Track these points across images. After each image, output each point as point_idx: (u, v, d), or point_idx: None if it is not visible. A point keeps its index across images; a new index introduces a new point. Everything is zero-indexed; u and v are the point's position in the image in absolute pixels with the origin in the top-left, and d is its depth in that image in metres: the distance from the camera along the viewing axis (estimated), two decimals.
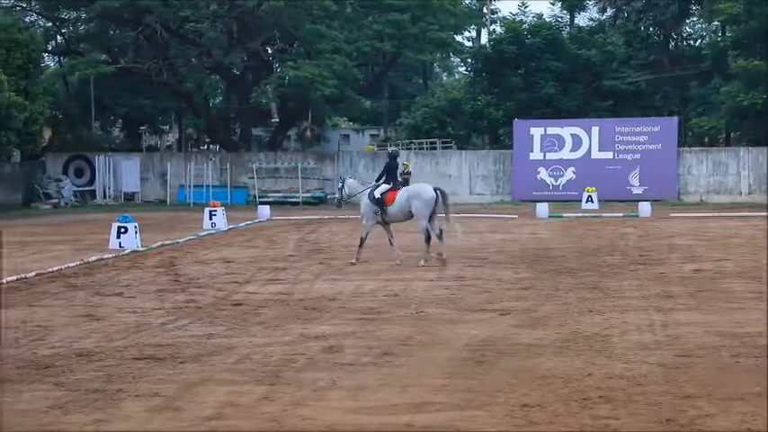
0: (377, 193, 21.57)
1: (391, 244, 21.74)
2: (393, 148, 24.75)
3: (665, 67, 53.40)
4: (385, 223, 21.87)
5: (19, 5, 52.81)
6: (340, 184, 23.11)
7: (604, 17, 58.71)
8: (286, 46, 51.53)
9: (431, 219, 21.10)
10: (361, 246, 21.80)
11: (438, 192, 21.15)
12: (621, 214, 36.07)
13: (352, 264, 21.06)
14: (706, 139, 54.84)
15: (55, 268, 20.35)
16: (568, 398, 9.43)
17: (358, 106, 61.75)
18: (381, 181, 22.10)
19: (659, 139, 45.16)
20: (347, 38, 49.20)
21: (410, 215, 21.39)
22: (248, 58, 50.38)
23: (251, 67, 51.81)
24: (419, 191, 21.35)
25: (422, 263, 20.79)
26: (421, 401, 9.36)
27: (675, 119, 46.94)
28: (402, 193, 21.38)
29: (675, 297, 15.92)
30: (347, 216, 36.62)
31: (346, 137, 73.67)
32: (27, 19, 51.90)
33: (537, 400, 9.37)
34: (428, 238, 21.13)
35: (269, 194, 46.68)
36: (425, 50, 53.22)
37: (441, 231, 21.28)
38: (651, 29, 55.68)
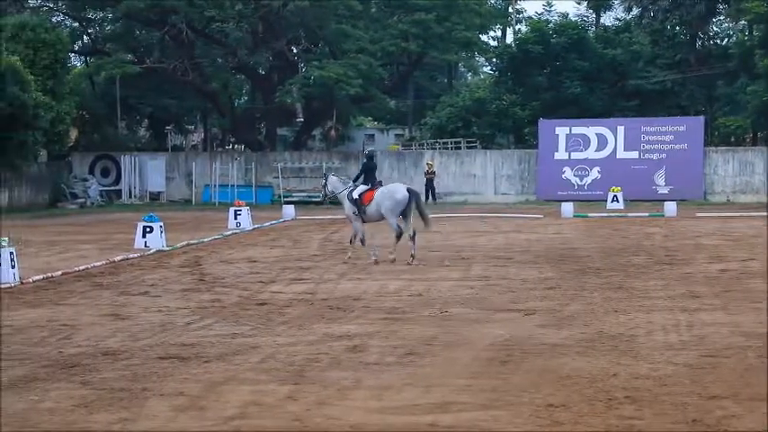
0: (355, 194, 21.85)
1: (350, 241, 22.34)
2: (370, 148, 25.15)
3: (692, 66, 53.13)
4: (366, 222, 22.17)
5: (46, 6, 53.12)
6: (324, 181, 23.48)
7: (630, 16, 58.48)
8: (311, 46, 51.59)
9: (406, 219, 21.35)
10: (363, 245, 22.12)
11: (411, 193, 21.40)
12: (647, 214, 35.91)
13: (375, 263, 21.07)
14: (732, 139, 54.54)
15: (81, 267, 20.45)
16: (593, 398, 9.40)
17: (383, 106, 61.75)
18: (359, 181, 22.38)
19: (685, 139, 44.97)
20: (372, 37, 49.20)
21: (383, 216, 21.70)
22: (273, 58, 50.48)
23: (276, 66, 51.90)
24: (392, 191, 21.58)
25: (391, 257, 21.17)
26: (445, 401, 9.34)
27: (702, 118, 46.74)
28: (377, 194, 21.58)
29: (701, 297, 15.84)
30: None
31: (371, 136, 73.69)
32: (54, 19, 52.18)
33: (562, 400, 9.34)
34: (399, 236, 21.39)
35: (294, 194, 46.75)
36: (451, 50, 53.17)
37: (414, 233, 21.39)
38: (677, 28, 55.38)
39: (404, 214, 21.37)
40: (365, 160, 23.07)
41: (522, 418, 8.77)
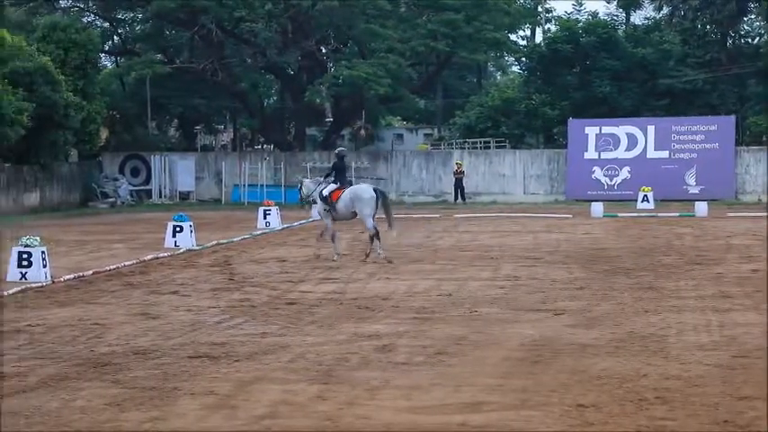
0: (325, 192, 22.33)
1: (318, 237, 22.85)
2: (340, 148, 25.80)
3: (723, 65, 52.79)
4: (334, 220, 22.51)
5: (77, 6, 53.40)
6: (299, 186, 24.17)
7: (660, 15, 58.17)
8: (340, 45, 51.64)
9: (388, 216, 22.09)
10: (333, 241, 22.45)
11: (378, 192, 22.05)
12: (677, 214, 35.72)
13: (334, 261, 21.61)
14: (764, 138, 54.14)
15: (112, 267, 20.55)
16: (624, 398, 9.36)
17: (412, 105, 61.71)
18: (330, 179, 22.87)
19: (716, 138, 44.73)
20: (401, 37, 49.17)
21: (355, 214, 22.24)
22: (302, 58, 50.54)
23: (305, 66, 51.96)
24: (359, 192, 22.15)
25: (381, 256, 21.60)
26: (475, 401, 9.33)
27: (732, 117, 46.45)
28: (346, 193, 22.15)
29: (732, 297, 15.75)
30: (400, 215, 36.62)
31: (400, 136, 73.63)
32: (85, 20, 52.45)
33: (592, 400, 9.31)
34: (376, 235, 21.86)
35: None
36: (479, 50, 53.06)
37: (377, 232, 21.83)
38: (708, 27, 55.06)
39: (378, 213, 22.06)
40: (336, 160, 23.53)
41: (552, 418, 8.75)
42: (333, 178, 22.80)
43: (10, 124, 35.95)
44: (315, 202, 23.50)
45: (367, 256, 21.82)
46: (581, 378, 10.22)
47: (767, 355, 11.29)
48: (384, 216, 22.09)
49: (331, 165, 23.90)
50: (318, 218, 22.14)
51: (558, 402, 9.25)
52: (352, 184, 23.00)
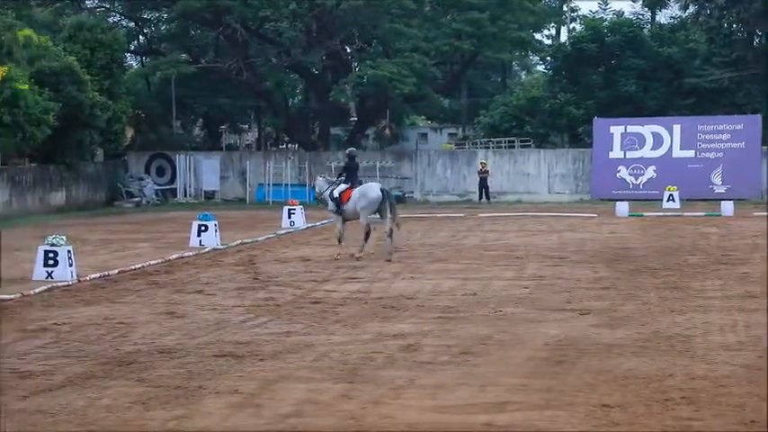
0: (335, 192, 22.60)
1: (339, 241, 22.71)
2: (351, 148, 26.06)
3: (749, 64, 52.49)
4: (347, 219, 22.75)
5: (103, 6, 53.61)
6: (313, 184, 23.72)
7: (686, 14, 57.88)
8: (365, 45, 51.60)
9: (383, 217, 22.19)
10: (339, 242, 22.68)
11: (384, 192, 22.22)
12: (703, 213, 35.55)
13: (336, 259, 21.88)
14: None
15: (137, 266, 20.63)
16: (650, 399, 9.33)
17: (436, 105, 61.62)
18: (341, 180, 23.12)
19: (742, 138, 44.46)
20: (426, 36, 49.12)
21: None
22: (327, 57, 50.54)
23: (330, 65, 51.97)
24: (366, 190, 22.43)
25: (357, 255, 21.96)
26: (500, 401, 9.32)
27: (759, 117, 46.11)
28: (355, 193, 22.34)
29: (759, 297, 15.66)
30: (424, 215, 36.65)
31: (424, 135, 73.57)
32: (110, 20, 52.64)
33: (618, 400, 9.28)
34: (367, 235, 22.18)
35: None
36: (504, 49, 52.94)
37: (390, 231, 22.04)
38: (734, 26, 54.73)
39: (380, 213, 22.22)
40: (347, 160, 23.73)
41: (577, 418, 8.73)
42: (344, 178, 23.04)
43: (36, 124, 36.12)
44: (319, 199, 23.79)
45: (390, 254, 21.93)
46: (606, 378, 10.19)
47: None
48: (390, 217, 22.07)
49: (342, 165, 24.05)
50: (365, 221, 22.11)
51: (584, 402, 9.23)
52: (362, 184, 23.19)
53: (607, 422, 8.61)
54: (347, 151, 24.92)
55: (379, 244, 25.38)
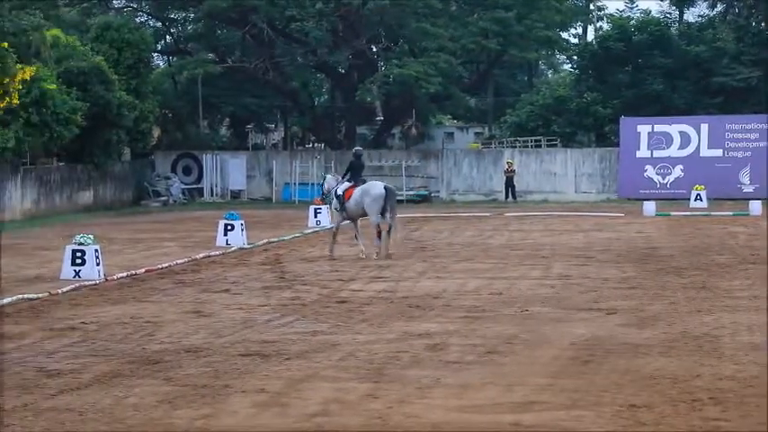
0: (339, 190, 22.84)
1: (356, 239, 22.97)
2: (357, 147, 26.46)
3: None
4: (350, 219, 22.99)
5: (130, 6, 53.84)
6: (321, 181, 24.96)
7: (714, 13, 57.59)
8: (391, 44, 51.60)
9: (383, 215, 22.15)
10: (334, 238, 22.96)
11: (387, 190, 22.29)
12: (731, 213, 35.36)
13: (331, 258, 22.13)
14: None
15: (164, 265, 20.70)
16: (677, 399, 9.29)
17: (462, 104, 61.53)
18: (345, 178, 23.33)
19: None
20: (452, 35, 49.06)
21: (365, 212, 22.60)
22: (353, 57, 50.58)
23: (356, 65, 51.99)
24: (369, 188, 22.60)
25: (375, 255, 22.08)
26: (526, 401, 9.30)
27: None
28: (357, 191, 22.57)
29: None
30: (451, 214, 36.63)
31: (450, 135, 73.36)
32: (137, 19, 52.84)
33: (644, 400, 9.24)
34: (379, 234, 22.30)
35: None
36: (531, 48, 52.84)
37: (390, 228, 22.26)
38: (763, 24, 54.39)
39: (382, 211, 22.18)
40: (353, 158, 24.01)
41: (604, 418, 8.70)
42: (349, 176, 23.30)
43: (64, 123, 36.31)
44: (327, 196, 24.10)
45: (388, 251, 22.13)
46: (633, 378, 10.15)
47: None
48: (390, 216, 22.21)
49: (348, 164, 24.32)
50: (376, 220, 22.27)
51: (610, 402, 9.20)
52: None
53: (634, 422, 8.57)
54: (353, 150, 25.26)
55: (403, 243, 25.38)
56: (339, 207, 22.86)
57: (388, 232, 22.24)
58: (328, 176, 24.80)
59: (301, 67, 51.44)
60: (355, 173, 23.36)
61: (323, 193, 24.78)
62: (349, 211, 22.69)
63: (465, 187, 47.44)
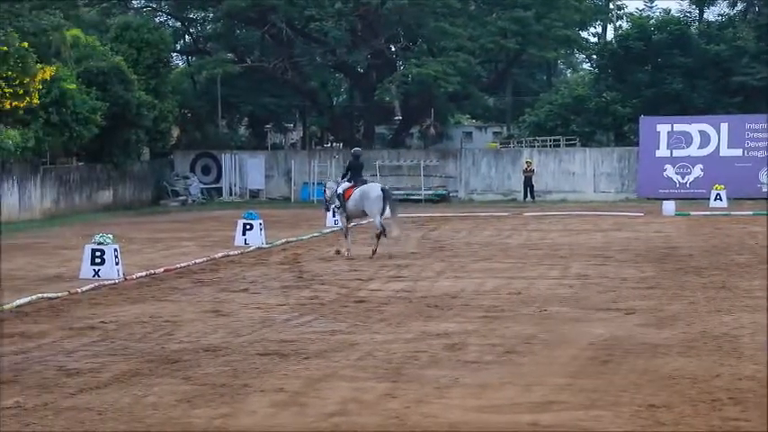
0: (339, 190, 23.41)
1: (345, 236, 23.29)
2: (356, 148, 27.06)
3: None
4: (349, 218, 23.53)
5: (149, 6, 54.00)
6: (323, 189, 25.48)
7: (734, 11, 57.37)
8: (409, 44, 51.60)
9: (382, 216, 22.71)
10: (345, 237, 23.24)
11: (384, 192, 22.83)
12: (751, 212, 35.22)
13: (338, 253, 22.66)
14: None
15: (183, 264, 20.75)
16: (696, 399, 9.26)
17: (481, 103, 61.49)
18: (345, 179, 23.76)
19: None
20: (471, 35, 49.02)
21: (365, 213, 23.23)
22: (372, 56, 50.59)
23: (374, 64, 52.01)
24: (367, 190, 23.01)
25: (371, 255, 22.39)
26: (545, 400, 9.28)
27: None
28: (356, 192, 23.02)
29: None
30: (469, 214, 36.60)
31: (469, 134, 73.31)
32: (157, 19, 52.99)
33: (664, 400, 9.22)
34: (381, 234, 22.62)
35: (392, 192, 46.68)
36: (549, 47, 52.74)
37: (385, 229, 22.72)
38: None
39: (382, 212, 22.78)
40: (351, 158, 24.35)
41: (623, 418, 8.68)
42: (348, 176, 23.68)
43: (84, 123, 36.45)
44: (330, 202, 24.55)
45: (373, 253, 22.37)
46: (652, 378, 10.12)
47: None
48: (390, 216, 22.86)
49: (347, 164, 24.72)
50: (378, 221, 22.66)
51: (629, 402, 9.17)
52: (366, 183, 23.79)
53: (653, 422, 8.55)
54: (353, 150, 25.78)
55: (421, 242, 25.41)
56: (338, 206, 23.34)
57: (379, 235, 22.57)
58: (329, 183, 25.39)
59: (320, 67, 51.48)
60: (355, 173, 23.73)
61: (326, 201, 25.14)
62: (348, 210, 23.15)
63: (483, 187, 47.39)
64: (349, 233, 23.30)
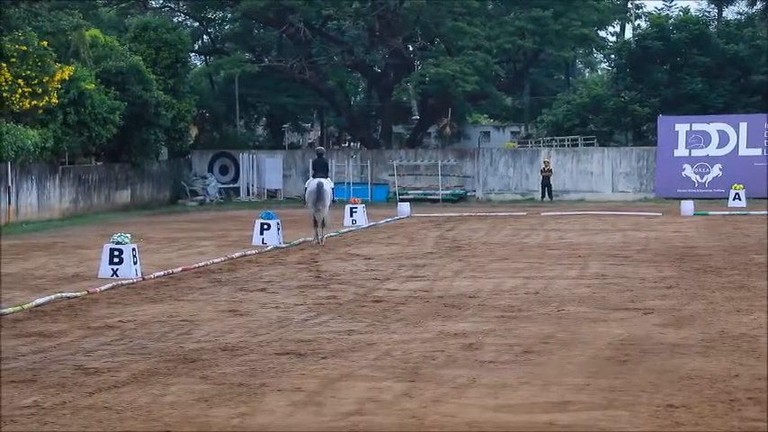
0: (305, 186, 26.80)
1: (314, 227, 25.63)
2: (319, 147, 29.42)
3: None
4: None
5: (167, 6, 54.17)
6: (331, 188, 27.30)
7: (753, 11, 57.17)
8: (427, 43, 51.62)
9: (319, 209, 25.01)
10: (314, 227, 25.60)
11: (317, 186, 24.94)
12: None
13: (316, 244, 25.10)
14: None
15: (201, 264, 20.78)
16: (715, 399, 9.23)
17: (499, 103, 61.48)
18: (311, 175, 27.03)
19: None
20: (488, 34, 49.01)
21: (314, 204, 25.22)
22: (389, 56, 50.63)
23: (392, 64, 52.05)
24: (308, 184, 25.88)
25: (314, 242, 25.28)
26: (563, 400, 9.27)
27: None
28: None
29: None
30: (487, 213, 36.57)
31: (487, 134, 73.38)
32: (175, 20, 53.19)
33: (682, 400, 9.19)
34: (315, 223, 25.28)
35: (409, 191, 46.76)
36: (567, 47, 52.69)
37: (324, 221, 25.31)
38: None
39: (315, 206, 25.05)
40: (315, 157, 27.67)
41: (641, 418, 8.65)
42: (313, 174, 26.67)
43: (102, 123, 36.57)
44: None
45: (320, 241, 25.19)
46: (670, 378, 10.09)
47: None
48: (319, 208, 24.96)
49: (312, 162, 27.79)
50: (311, 212, 25.43)
51: (647, 402, 9.15)
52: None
53: (671, 422, 8.52)
54: (316, 149, 27.88)
55: (439, 242, 25.41)
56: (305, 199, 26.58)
57: (323, 223, 25.14)
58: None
59: (338, 67, 51.55)
60: (316, 170, 26.48)
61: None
62: (306, 203, 26.02)
63: (501, 186, 47.34)
64: (317, 224, 25.25)
